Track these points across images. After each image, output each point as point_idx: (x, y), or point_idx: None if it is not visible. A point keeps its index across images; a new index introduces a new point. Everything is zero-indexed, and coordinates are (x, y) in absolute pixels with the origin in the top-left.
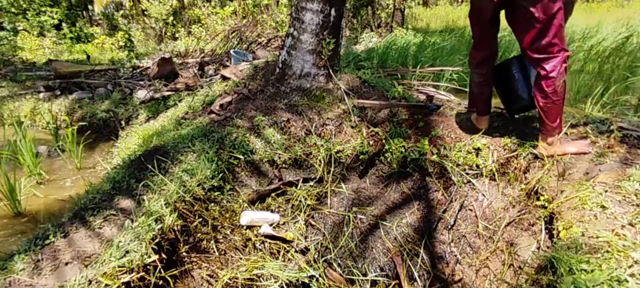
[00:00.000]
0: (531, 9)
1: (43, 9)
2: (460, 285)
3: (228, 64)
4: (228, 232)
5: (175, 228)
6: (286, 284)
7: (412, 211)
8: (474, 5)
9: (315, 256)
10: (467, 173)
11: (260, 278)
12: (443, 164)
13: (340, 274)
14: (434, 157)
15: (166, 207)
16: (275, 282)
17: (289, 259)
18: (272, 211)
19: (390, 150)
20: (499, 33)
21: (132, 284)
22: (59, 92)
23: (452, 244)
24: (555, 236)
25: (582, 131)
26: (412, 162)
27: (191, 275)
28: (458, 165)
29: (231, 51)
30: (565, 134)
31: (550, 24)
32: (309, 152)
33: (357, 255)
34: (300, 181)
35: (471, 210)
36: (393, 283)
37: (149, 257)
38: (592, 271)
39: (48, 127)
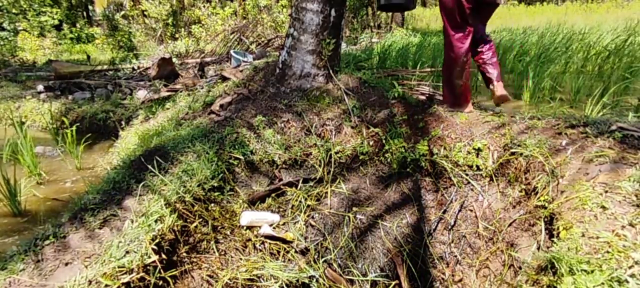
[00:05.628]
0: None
1: (43, 9)
2: (460, 286)
3: (228, 64)
4: (228, 232)
5: (175, 228)
6: (286, 284)
7: (412, 211)
8: None
9: (315, 256)
10: (467, 174)
11: (260, 279)
12: (443, 164)
13: (340, 274)
14: (434, 158)
15: (166, 208)
16: (275, 282)
17: (289, 259)
18: (272, 211)
19: (390, 150)
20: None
21: (132, 284)
22: (59, 93)
23: (452, 244)
24: (555, 236)
25: (581, 131)
26: (412, 163)
27: (191, 276)
28: (458, 165)
29: (231, 52)
30: (561, 133)
31: None
32: (309, 153)
33: (357, 255)
34: (300, 181)
35: (471, 210)
36: (393, 283)
37: (149, 257)
38: (592, 271)
39: (48, 127)
